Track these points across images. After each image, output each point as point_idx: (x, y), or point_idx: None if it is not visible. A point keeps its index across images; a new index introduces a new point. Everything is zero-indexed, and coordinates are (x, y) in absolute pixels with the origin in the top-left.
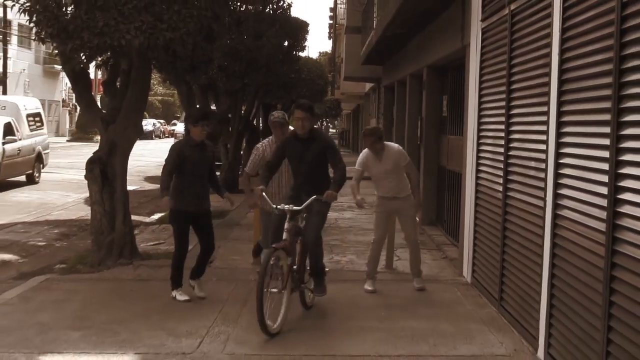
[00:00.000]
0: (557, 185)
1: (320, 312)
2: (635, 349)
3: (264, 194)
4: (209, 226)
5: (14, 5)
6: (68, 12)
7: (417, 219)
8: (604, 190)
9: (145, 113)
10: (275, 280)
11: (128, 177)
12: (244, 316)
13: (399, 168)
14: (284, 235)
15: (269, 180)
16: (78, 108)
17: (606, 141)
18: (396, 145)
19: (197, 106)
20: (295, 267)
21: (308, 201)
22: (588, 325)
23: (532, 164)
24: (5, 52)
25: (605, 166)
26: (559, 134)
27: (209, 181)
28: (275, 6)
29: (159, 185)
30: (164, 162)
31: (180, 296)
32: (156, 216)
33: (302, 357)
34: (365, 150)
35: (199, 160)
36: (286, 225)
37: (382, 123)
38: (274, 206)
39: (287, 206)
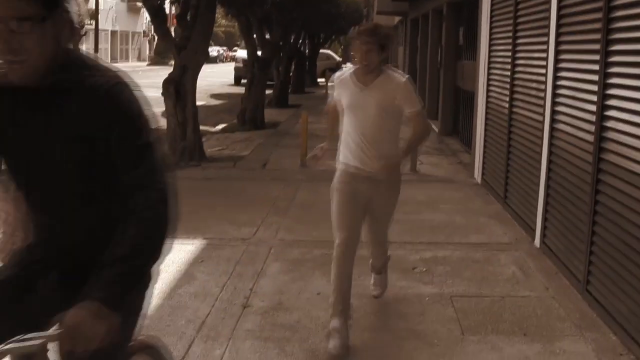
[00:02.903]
0: (554, 103)
1: None
2: (613, 238)
3: None
4: None
5: None
6: None
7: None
8: (593, 108)
9: (211, 41)
10: None
11: (197, 94)
12: (292, 209)
13: (394, 115)
14: None
15: None
16: (156, 37)
17: (596, 66)
18: (403, 75)
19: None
20: None
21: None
22: (576, 219)
23: (534, 84)
24: None
25: (594, 87)
26: (557, 60)
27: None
28: None
29: (223, 101)
30: None
31: None
32: (220, 126)
33: None
34: (340, 73)
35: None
36: None
37: (409, 50)
38: None
39: None
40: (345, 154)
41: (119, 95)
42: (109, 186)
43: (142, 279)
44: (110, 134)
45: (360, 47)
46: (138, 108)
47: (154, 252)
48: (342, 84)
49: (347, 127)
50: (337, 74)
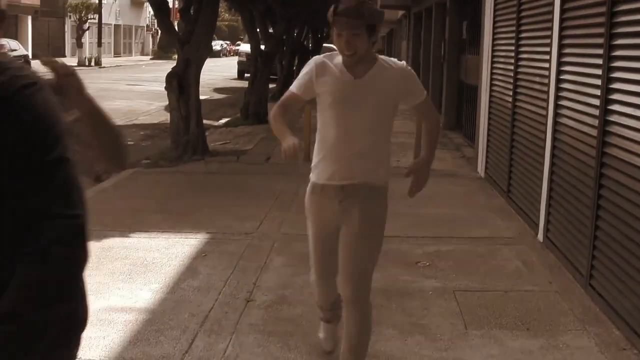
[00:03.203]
0: (557, 97)
1: None
2: (617, 233)
3: None
4: None
5: None
6: None
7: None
8: (596, 102)
9: (214, 35)
10: None
11: (200, 88)
12: (295, 203)
13: (389, 111)
14: None
15: None
16: (159, 32)
17: (599, 60)
18: (401, 62)
19: (258, 30)
20: None
21: None
22: (580, 213)
23: (537, 79)
24: None
25: (598, 82)
26: (560, 54)
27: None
28: None
29: (226, 95)
30: None
31: None
32: (223, 120)
33: None
34: (322, 57)
35: None
36: None
37: (412, 45)
38: None
39: None
40: (326, 162)
41: (23, 100)
42: (6, 216)
43: (52, 333)
44: (11, 148)
45: (341, 32)
46: (48, 116)
47: (60, 300)
48: (326, 72)
49: (330, 127)
50: (322, 58)
